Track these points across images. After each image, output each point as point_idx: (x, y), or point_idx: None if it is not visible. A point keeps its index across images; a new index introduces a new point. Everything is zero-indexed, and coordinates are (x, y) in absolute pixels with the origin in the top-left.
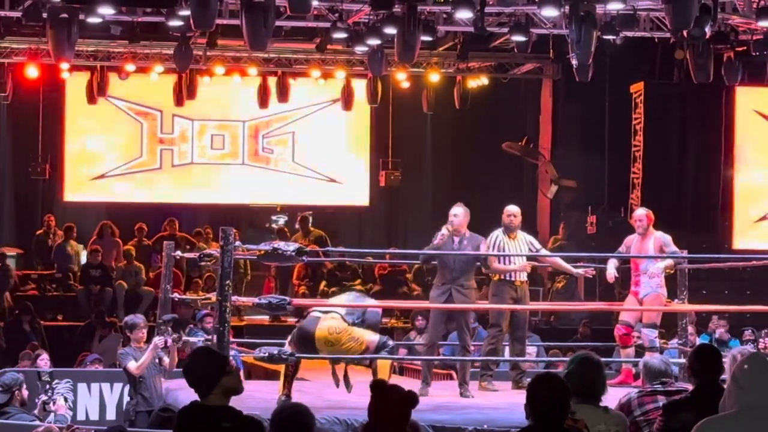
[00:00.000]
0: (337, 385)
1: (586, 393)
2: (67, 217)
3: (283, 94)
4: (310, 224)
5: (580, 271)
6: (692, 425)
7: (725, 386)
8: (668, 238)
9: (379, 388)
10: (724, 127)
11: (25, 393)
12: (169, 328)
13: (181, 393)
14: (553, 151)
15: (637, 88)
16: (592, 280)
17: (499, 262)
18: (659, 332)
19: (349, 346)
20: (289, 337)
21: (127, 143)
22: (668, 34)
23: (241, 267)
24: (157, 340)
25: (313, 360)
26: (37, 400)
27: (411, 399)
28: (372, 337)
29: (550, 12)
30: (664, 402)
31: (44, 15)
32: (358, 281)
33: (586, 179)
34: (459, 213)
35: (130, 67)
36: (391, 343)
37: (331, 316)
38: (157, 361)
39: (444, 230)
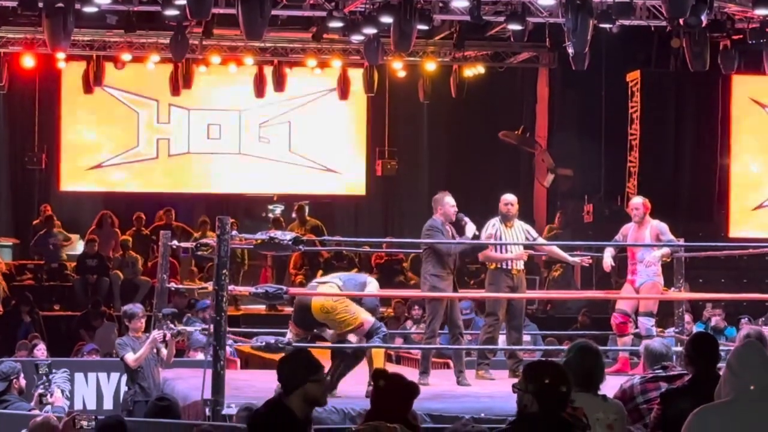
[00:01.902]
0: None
1: (585, 381)
2: (64, 207)
3: (279, 84)
4: (306, 213)
5: (577, 259)
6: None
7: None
8: (665, 226)
9: (381, 377)
10: (720, 116)
11: (23, 382)
12: (168, 322)
13: (179, 383)
14: (549, 140)
15: (634, 76)
16: (588, 269)
17: (496, 251)
18: (655, 321)
19: (344, 317)
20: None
21: (124, 133)
22: (665, 23)
23: (239, 256)
24: (156, 333)
25: (312, 349)
26: (33, 392)
27: (412, 389)
28: (368, 317)
29: (546, 0)
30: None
31: (40, 4)
32: (355, 270)
33: (583, 168)
34: (455, 203)
35: (126, 56)
36: (384, 329)
37: (329, 285)
38: (155, 351)
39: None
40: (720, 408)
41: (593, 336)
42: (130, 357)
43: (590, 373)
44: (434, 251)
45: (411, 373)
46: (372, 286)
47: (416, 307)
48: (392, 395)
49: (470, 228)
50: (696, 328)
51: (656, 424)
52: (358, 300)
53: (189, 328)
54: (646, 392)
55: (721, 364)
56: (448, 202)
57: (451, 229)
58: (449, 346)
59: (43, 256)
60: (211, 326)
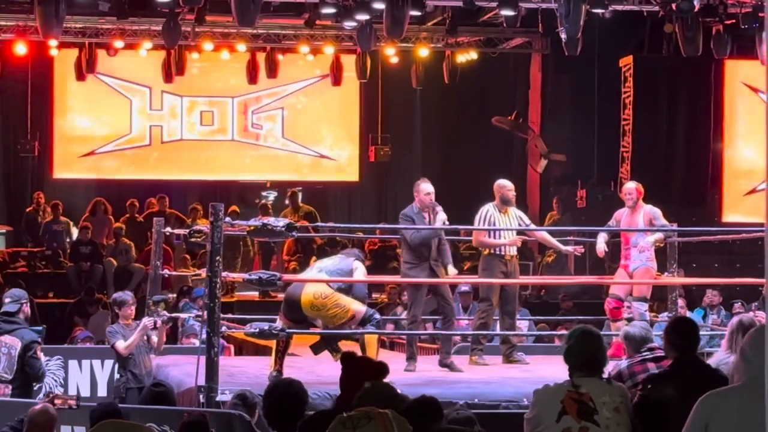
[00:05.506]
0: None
1: (589, 366)
2: (57, 194)
3: (272, 70)
4: (299, 200)
5: (570, 248)
6: (674, 399)
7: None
8: (658, 211)
9: (349, 359)
10: (713, 101)
11: (27, 310)
12: (159, 309)
13: (173, 370)
14: (542, 126)
15: (627, 61)
16: (582, 254)
17: (490, 237)
18: (649, 306)
19: (335, 312)
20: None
21: (117, 120)
22: (657, 8)
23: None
24: (147, 321)
25: (305, 335)
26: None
27: (381, 369)
28: (359, 307)
29: None
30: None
31: None
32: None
33: (576, 153)
34: (433, 190)
35: (118, 43)
36: (377, 316)
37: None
38: (145, 339)
39: (443, 216)
40: (730, 393)
41: (589, 321)
42: (121, 344)
43: (593, 357)
44: (404, 240)
45: (402, 359)
46: (359, 271)
47: (406, 293)
48: (359, 377)
49: (440, 218)
50: (695, 314)
51: (635, 409)
52: (347, 289)
53: (184, 315)
54: (634, 375)
55: (713, 349)
56: (423, 189)
57: (429, 216)
58: (438, 332)
59: (51, 246)
60: (205, 312)
